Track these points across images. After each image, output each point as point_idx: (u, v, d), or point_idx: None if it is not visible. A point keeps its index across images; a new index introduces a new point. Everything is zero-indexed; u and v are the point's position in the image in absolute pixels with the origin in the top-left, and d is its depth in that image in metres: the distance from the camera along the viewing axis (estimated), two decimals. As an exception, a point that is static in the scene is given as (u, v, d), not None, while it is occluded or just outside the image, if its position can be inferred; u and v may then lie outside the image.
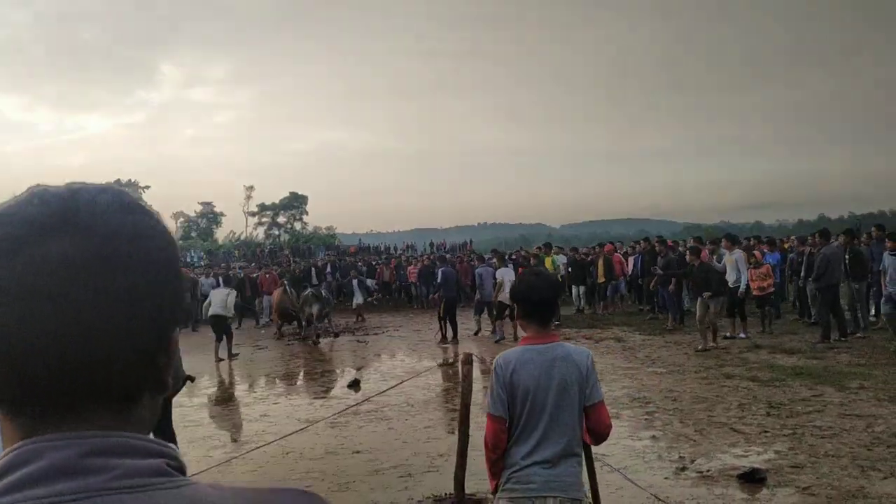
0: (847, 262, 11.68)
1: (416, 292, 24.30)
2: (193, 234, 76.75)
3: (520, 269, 20.95)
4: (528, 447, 2.74)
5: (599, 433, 2.84)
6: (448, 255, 27.79)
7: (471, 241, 57.35)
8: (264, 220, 79.95)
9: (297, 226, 79.88)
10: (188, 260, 46.24)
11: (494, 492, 2.85)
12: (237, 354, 13.65)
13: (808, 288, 12.77)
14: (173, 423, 6.24)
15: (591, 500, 3.27)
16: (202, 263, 40.73)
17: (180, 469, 0.67)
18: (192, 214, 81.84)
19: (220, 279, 16.39)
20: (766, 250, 14.90)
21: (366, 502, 5.46)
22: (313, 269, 25.97)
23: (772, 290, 13.09)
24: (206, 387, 11.14)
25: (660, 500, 5.00)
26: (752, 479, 5.38)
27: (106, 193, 0.67)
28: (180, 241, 67.27)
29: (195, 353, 14.96)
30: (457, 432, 4.66)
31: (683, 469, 5.79)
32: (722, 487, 5.31)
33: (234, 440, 7.59)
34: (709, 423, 7.13)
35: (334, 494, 5.61)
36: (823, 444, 6.15)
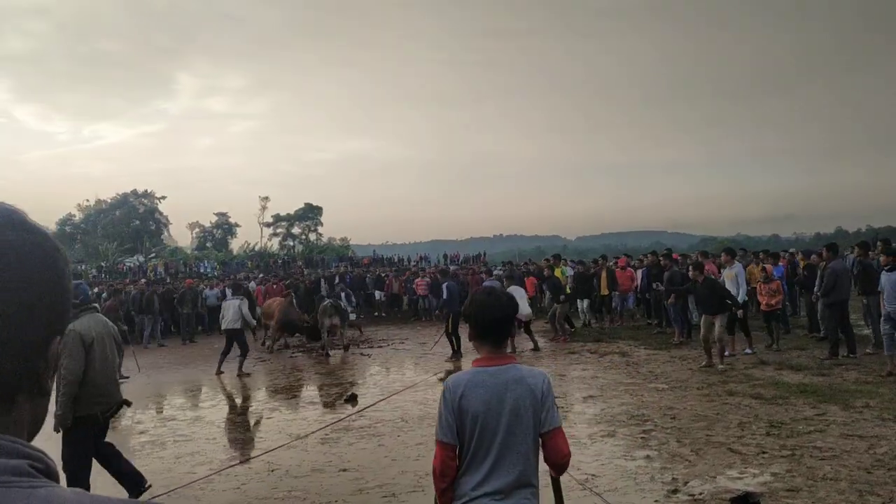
0: (856, 275, 11.40)
1: (425, 305, 24.12)
2: (208, 244, 77.15)
3: (529, 280, 20.98)
4: (478, 476, 2.58)
5: (556, 463, 2.66)
6: (454, 268, 27.68)
7: (484, 254, 57.17)
8: (279, 230, 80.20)
9: (312, 237, 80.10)
10: (201, 270, 46.43)
11: None
12: (248, 374, 13.26)
13: (818, 303, 12.48)
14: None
15: None
16: (215, 274, 40.82)
17: (46, 472, 0.71)
18: (208, 225, 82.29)
19: (230, 289, 16.25)
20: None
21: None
22: (323, 280, 25.89)
23: (779, 306, 12.79)
24: (202, 401, 11.05)
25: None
26: (745, 503, 5.18)
27: None
28: (195, 252, 67.68)
29: (193, 365, 14.96)
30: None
31: (675, 492, 5.59)
32: (712, 512, 5.12)
33: (222, 456, 7.44)
34: (706, 442, 6.91)
35: (313, 515, 5.49)
36: (822, 467, 5.92)
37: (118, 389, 5.79)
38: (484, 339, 2.71)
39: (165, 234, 78.83)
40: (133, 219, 74.08)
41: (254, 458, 7.15)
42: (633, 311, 18.73)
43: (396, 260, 51.61)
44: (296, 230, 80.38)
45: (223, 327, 13.49)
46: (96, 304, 5.96)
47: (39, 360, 0.75)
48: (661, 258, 16.85)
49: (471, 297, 2.81)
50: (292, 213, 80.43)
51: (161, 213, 78.56)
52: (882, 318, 9.94)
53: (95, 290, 20.43)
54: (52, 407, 5.38)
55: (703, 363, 10.99)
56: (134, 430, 9.16)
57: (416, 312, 24.48)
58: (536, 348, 14.33)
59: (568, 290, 17.27)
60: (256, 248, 68.59)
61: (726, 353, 11.32)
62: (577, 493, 5.56)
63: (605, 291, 17.93)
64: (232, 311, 13.30)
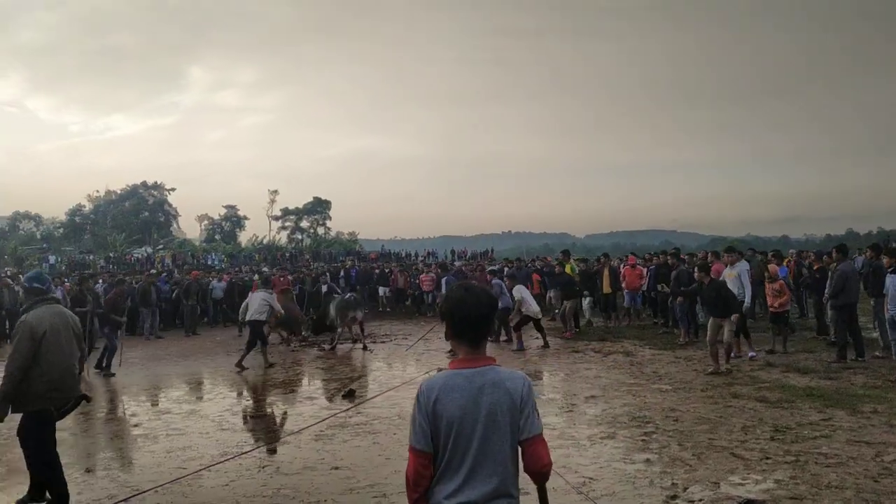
0: (865, 276, 11.16)
1: (429, 300, 23.94)
2: (217, 236, 77.32)
3: (534, 276, 20.80)
4: (453, 485, 2.41)
5: (536, 472, 2.48)
6: (459, 264, 27.50)
7: (492, 250, 57.10)
8: (287, 224, 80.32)
9: (320, 231, 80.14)
10: (208, 262, 46.46)
11: None
12: (273, 364, 13.16)
13: (827, 306, 12.20)
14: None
15: None
16: (222, 266, 40.81)
17: None
18: (217, 217, 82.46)
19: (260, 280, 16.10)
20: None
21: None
22: (328, 273, 25.75)
23: (787, 307, 12.47)
24: (199, 394, 10.93)
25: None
26: (746, 511, 5.01)
27: None
28: (203, 244, 67.79)
29: (194, 358, 14.86)
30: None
31: (674, 497, 5.41)
32: (711, 519, 4.95)
33: (213, 451, 7.30)
34: (709, 446, 6.73)
35: (300, 514, 5.35)
36: (828, 474, 5.73)
37: (76, 383, 5.57)
38: (460, 339, 2.54)
39: (174, 225, 79.10)
40: (142, 210, 74.31)
41: (246, 453, 7.01)
42: (640, 311, 18.48)
43: (404, 255, 51.57)
44: (304, 224, 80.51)
45: (247, 318, 13.39)
46: (55, 296, 5.76)
47: None
48: (668, 258, 16.59)
49: (447, 293, 2.64)
50: (301, 206, 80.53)
51: (170, 205, 78.84)
52: (888, 323, 9.70)
53: (101, 282, 20.32)
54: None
55: (710, 370, 10.56)
56: (128, 423, 9.06)
57: (421, 308, 24.31)
58: (546, 345, 14.22)
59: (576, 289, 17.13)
60: (265, 241, 68.79)
61: (732, 355, 11.01)
62: (571, 497, 5.40)
63: (607, 290, 17.67)
64: (258, 302, 13.22)
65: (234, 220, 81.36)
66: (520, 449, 2.48)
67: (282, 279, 23.50)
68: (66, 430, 8.40)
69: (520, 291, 14.27)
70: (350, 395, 9.92)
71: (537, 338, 14.50)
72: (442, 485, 2.44)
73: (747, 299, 11.56)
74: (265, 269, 33.12)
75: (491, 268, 24.20)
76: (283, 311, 14.30)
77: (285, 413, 9.32)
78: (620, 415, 8.18)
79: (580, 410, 8.56)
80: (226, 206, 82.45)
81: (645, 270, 17.69)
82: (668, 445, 6.84)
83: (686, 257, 16.25)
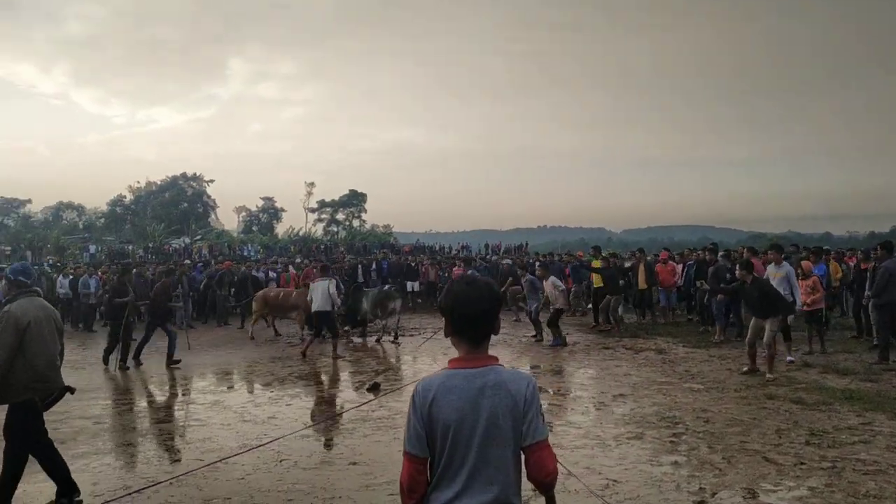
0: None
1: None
2: (254, 228, 77.99)
3: (567, 271, 20.52)
4: (450, 493, 2.25)
5: (541, 481, 2.29)
6: (476, 256, 27.17)
7: (526, 244, 56.68)
8: (323, 216, 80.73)
9: (356, 223, 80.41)
10: (244, 253, 46.87)
11: None
12: (342, 356, 13.23)
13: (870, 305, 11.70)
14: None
15: None
16: (258, 258, 41.09)
17: None
18: (254, 209, 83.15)
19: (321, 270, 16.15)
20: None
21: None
22: (360, 266, 25.71)
23: (821, 305, 12.02)
24: (224, 385, 10.92)
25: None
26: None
27: None
28: (240, 235, 68.47)
29: (224, 348, 14.89)
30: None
31: (701, 503, 5.19)
32: (740, 528, 4.71)
33: (233, 443, 7.24)
34: (740, 449, 6.47)
35: (313, 511, 5.23)
36: (866, 482, 5.45)
37: (59, 375, 5.56)
38: (460, 336, 2.36)
39: (212, 216, 79.96)
40: (181, 201, 75.23)
41: (264, 446, 6.92)
42: (675, 308, 18.05)
43: (438, 248, 51.41)
44: (340, 216, 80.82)
45: (312, 309, 13.43)
46: (37, 288, 5.74)
47: None
48: (706, 254, 16.16)
49: (447, 286, 2.46)
50: (337, 199, 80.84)
51: (209, 197, 79.70)
52: None
53: (146, 271, 20.47)
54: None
55: (745, 368, 10.22)
56: (151, 413, 9.06)
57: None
58: (539, 339, 14.30)
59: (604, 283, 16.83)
60: (301, 233, 69.13)
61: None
62: (591, 502, 5.19)
63: (643, 286, 17.25)
64: (320, 292, 13.23)
65: (271, 211, 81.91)
66: (523, 456, 2.30)
67: (314, 270, 23.59)
68: (90, 419, 8.46)
69: (553, 284, 14.09)
70: (375, 389, 9.82)
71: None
72: (439, 492, 2.27)
73: (798, 301, 10.96)
74: (298, 259, 33.26)
75: (506, 261, 24.26)
76: (339, 303, 14.33)
77: (308, 405, 9.24)
78: (649, 414, 7.94)
79: (608, 409, 8.33)
80: (263, 198, 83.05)
81: (679, 267, 17.27)
82: (697, 447, 6.60)
83: (723, 253, 15.73)
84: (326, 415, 8.61)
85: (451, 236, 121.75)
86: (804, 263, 12.16)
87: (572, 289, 20.12)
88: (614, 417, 7.89)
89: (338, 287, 18.89)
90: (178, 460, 6.69)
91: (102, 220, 71.68)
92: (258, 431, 7.64)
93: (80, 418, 8.45)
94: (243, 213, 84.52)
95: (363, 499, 5.46)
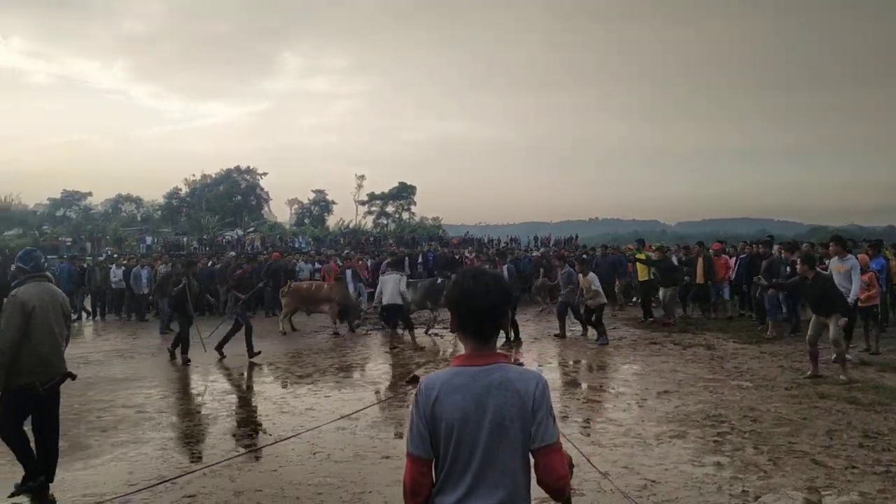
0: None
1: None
2: (306, 220, 78.91)
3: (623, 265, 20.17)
4: (454, 496, 2.12)
5: (551, 486, 2.15)
6: (543, 251, 26.89)
7: (576, 236, 56.01)
8: (373, 209, 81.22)
9: (405, 216, 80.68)
10: (295, 245, 47.46)
11: None
12: (421, 348, 13.42)
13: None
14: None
15: None
16: (310, 250, 41.57)
17: None
18: (306, 202, 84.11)
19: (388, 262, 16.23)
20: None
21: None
22: (407, 259, 25.71)
23: (876, 301, 11.35)
24: (264, 376, 10.98)
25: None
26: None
27: None
28: (293, 227, 69.36)
29: (269, 339, 14.97)
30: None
31: (743, 506, 4.96)
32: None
33: (269, 433, 7.25)
34: (788, 451, 6.19)
35: (341, 506, 5.18)
36: (922, 489, 5.15)
37: (62, 360, 5.62)
38: (466, 332, 2.23)
39: (265, 209, 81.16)
40: (235, 194, 76.55)
41: (298, 437, 6.91)
42: (727, 302, 17.47)
43: (487, 241, 51.18)
44: (389, 209, 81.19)
45: (383, 303, 13.52)
46: (47, 273, 5.79)
47: None
48: (760, 247, 15.60)
49: (454, 280, 2.33)
50: (386, 191, 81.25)
51: (262, 189, 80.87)
52: None
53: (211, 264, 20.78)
54: None
55: (808, 373, 9.45)
56: (192, 403, 9.15)
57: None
58: (562, 336, 14.01)
59: (651, 276, 16.43)
60: (351, 225, 69.68)
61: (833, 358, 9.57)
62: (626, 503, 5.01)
63: (700, 280, 16.60)
64: (391, 285, 13.33)
65: (322, 204, 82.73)
66: (532, 459, 2.17)
67: (359, 262, 23.69)
68: (132, 408, 8.58)
69: (591, 280, 13.72)
70: (414, 382, 9.74)
71: (574, 327, 13.97)
72: (443, 495, 2.15)
73: (852, 295, 10.31)
74: (346, 251, 33.54)
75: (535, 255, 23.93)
76: (409, 297, 14.50)
77: (346, 398, 9.21)
78: (693, 412, 7.68)
79: (650, 406, 8.08)
80: (315, 191, 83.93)
81: (733, 260, 16.72)
82: (742, 448, 6.34)
83: (779, 246, 15.15)
84: (362, 407, 8.56)
85: (501, 228, 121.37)
86: (861, 257, 11.54)
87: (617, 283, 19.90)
88: (657, 415, 7.66)
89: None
90: (214, 451, 6.71)
91: (159, 213, 73.36)
92: (295, 423, 7.63)
93: (124, 407, 8.59)
94: (295, 206, 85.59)
95: (393, 494, 5.38)
